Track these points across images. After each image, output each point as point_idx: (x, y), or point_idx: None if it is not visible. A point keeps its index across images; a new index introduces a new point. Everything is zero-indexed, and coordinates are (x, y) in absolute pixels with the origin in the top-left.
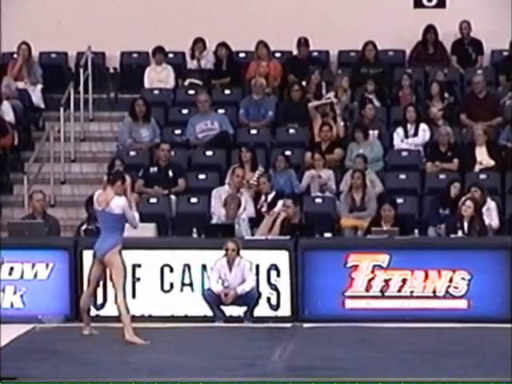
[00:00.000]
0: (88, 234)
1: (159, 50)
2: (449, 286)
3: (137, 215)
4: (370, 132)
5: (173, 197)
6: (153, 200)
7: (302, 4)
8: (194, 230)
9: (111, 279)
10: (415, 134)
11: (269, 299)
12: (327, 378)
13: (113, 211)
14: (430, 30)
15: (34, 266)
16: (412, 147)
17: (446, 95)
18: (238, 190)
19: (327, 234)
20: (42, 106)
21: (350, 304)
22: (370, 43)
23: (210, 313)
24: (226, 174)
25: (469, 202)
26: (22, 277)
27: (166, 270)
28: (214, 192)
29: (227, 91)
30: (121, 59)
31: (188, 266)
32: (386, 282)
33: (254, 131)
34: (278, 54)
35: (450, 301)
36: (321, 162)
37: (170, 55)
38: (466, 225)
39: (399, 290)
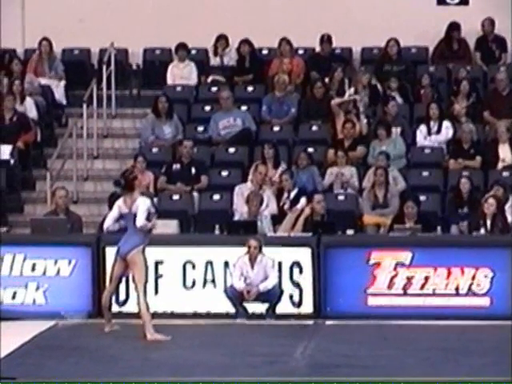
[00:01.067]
0: (110, 231)
1: (182, 46)
2: (471, 284)
3: (143, 216)
4: (393, 129)
5: (195, 193)
6: (175, 197)
7: (324, 1)
8: (217, 226)
9: (133, 279)
10: (438, 131)
11: (291, 296)
12: (349, 376)
13: (138, 210)
14: (454, 27)
15: (56, 262)
16: (435, 144)
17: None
18: (260, 187)
19: (349, 232)
20: (64, 102)
21: (372, 301)
22: (392, 40)
23: (232, 310)
24: (249, 171)
25: (491, 200)
26: (44, 273)
27: (189, 266)
28: (236, 189)
29: (250, 88)
30: (143, 56)
31: (210, 262)
32: (409, 279)
33: (276, 128)
34: (300, 51)
35: (472, 298)
36: (343, 159)
37: (193, 52)
38: (488, 222)
39: (421, 288)
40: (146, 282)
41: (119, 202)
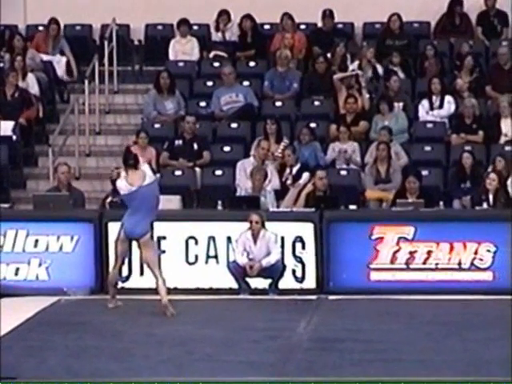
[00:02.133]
0: (113, 207)
1: (184, 22)
2: (474, 258)
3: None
4: (395, 104)
5: (198, 169)
6: (178, 172)
7: None
8: (219, 202)
9: (145, 260)
10: (440, 105)
11: (294, 271)
12: (351, 351)
13: (151, 180)
14: (456, 1)
15: (59, 238)
16: (437, 119)
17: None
18: (262, 162)
19: (352, 207)
20: (65, 78)
21: (375, 276)
22: (395, 15)
23: (235, 285)
24: (251, 147)
25: (492, 175)
26: (47, 249)
27: (191, 242)
28: (239, 164)
29: (252, 63)
30: (145, 31)
31: (213, 238)
32: (411, 254)
33: (278, 103)
34: (302, 26)
35: (475, 273)
36: (346, 134)
37: (195, 27)
38: (491, 197)
39: (424, 262)
40: (160, 261)
41: (122, 183)
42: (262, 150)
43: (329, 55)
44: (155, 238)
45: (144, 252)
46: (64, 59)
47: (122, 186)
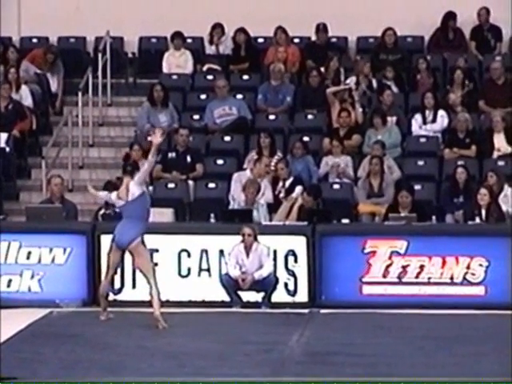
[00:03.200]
0: (106, 219)
1: (178, 35)
2: (466, 273)
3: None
4: (389, 118)
5: (191, 182)
6: (171, 185)
7: None
8: (212, 215)
9: (138, 267)
10: (433, 120)
11: (286, 285)
12: (344, 364)
13: (135, 195)
14: (450, 16)
15: (51, 250)
16: (430, 133)
17: (466, 82)
18: (259, 177)
19: (345, 220)
20: (59, 92)
21: (367, 290)
22: (389, 29)
23: (227, 298)
24: (244, 160)
25: (483, 190)
26: (39, 261)
27: (184, 255)
28: (235, 176)
29: (245, 76)
30: (139, 44)
31: (206, 251)
32: (404, 268)
33: (272, 117)
34: (296, 40)
35: (467, 287)
36: (339, 148)
37: (189, 40)
38: (483, 211)
39: (417, 277)
40: (154, 269)
41: (114, 195)
42: (260, 165)
43: (322, 69)
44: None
45: (136, 259)
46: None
47: (113, 199)
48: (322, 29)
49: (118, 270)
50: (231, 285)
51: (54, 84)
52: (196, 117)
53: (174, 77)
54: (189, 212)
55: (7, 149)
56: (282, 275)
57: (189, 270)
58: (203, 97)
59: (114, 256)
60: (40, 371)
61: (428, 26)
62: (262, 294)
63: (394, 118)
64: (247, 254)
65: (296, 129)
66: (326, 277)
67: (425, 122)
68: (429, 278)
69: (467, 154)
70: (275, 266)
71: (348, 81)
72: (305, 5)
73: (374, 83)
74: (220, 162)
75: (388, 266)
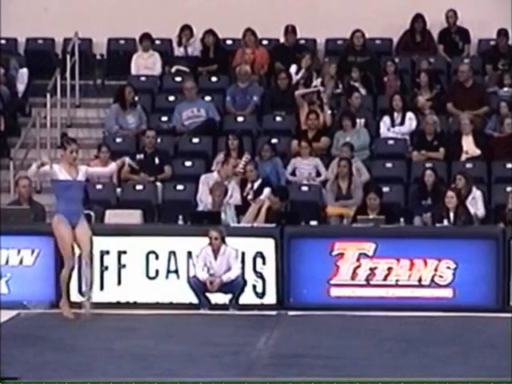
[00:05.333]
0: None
1: (146, 36)
2: (434, 275)
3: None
4: (357, 120)
5: (159, 184)
6: (139, 187)
7: None
8: (180, 217)
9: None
10: (402, 122)
11: (254, 287)
12: (311, 367)
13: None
14: (418, 18)
15: (19, 252)
16: (398, 136)
17: (434, 84)
18: (226, 179)
19: (313, 222)
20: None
21: (335, 292)
22: (357, 31)
23: (195, 300)
24: (213, 162)
25: (450, 193)
26: (7, 263)
27: (152, 256)
28: (202, 178)
29: (214, 78)
30: (108, 46)
31: (174, 252)
32: (372, 270)
33: (240, 119)
34: (265, 42)
35: (435, 290)
36: (307, 150)
37: (157, 42)
38: (451, 214)
39: (385, 279)
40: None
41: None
42: (232, 167)
43: (292, 70)
44: (115, 252)
45: (82, 238)
46: (25, 73)
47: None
48: (290, 31)
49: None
50: (199, 287)
51: (22, 83)
52: (164, 118)
53: (143, 78)
54: (157, 214)
55: None
56: (250, 277)
57: (157, 271)
58: (172, 98)
59: (71, 237)
60: (6, 373)
61: (397, 28)
62: (230, 296)
63: (363, 121)
64: (215, 257)
65: (264, 131)
66: (294, 279)
67: (393, 125)
68: (397, 281)
69: (435, 157)
70: (243, 268)
71: (314, 83)
72: (273, 7)
73: (340, 85)
74: (188, 163)
75: (356, 268)
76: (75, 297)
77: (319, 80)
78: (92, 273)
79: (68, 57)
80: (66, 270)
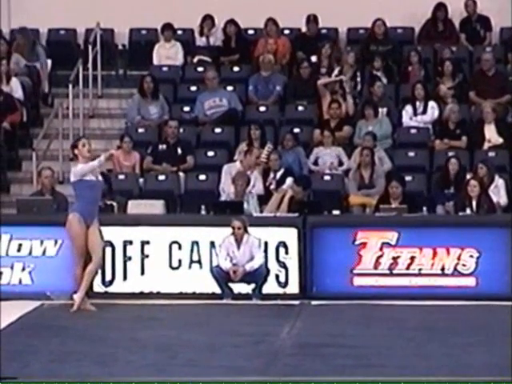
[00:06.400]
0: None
1: (168, 26)
2: (457, 264)
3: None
4: (379, 109)
5: (181, 174)
6: (161, 177)
7: None
8: (203, 207)
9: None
10: (424, 111)
11: (277, 276)
12: (335, 356)
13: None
14: (440, 7)
15: (42, 242)
16: (421, 125)
17: (457, 73)
18: (249, 169)
19: (335, 212)
20: (46, 87)
21: (358, 281)
22: (379, 20)
23: (218, 290)
24: (235, 151)
25: (473, 182)
26: (30, 253)
27: (175, 246)
28: (225, 167)
29: (236, 68)
30: (129, 36)
31: (196, 242)
32: (395, 259)
33: (262, 108)
34: (286, 31)
35: (458, 278)
36: (329, 139)
37: (179, 32)
38: (474, 203)
39: (407, 268)
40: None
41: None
42: (250, 156)
43: (314, 59)
44: (139, 242)
45: (93, 237)
46: (48, 64)
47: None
48: (312, 20)
49: (110, 262)
50: (222, 277)
51: (44, 73)
52: (186, 109)
53: (165, 68)
54: (179, 204)
55: None
56: (273, 267)
57: (180, 261)
58: (193, 88)
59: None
60: (31, 363)
61: (418, 17)
62: (252, 286)
63: (385, 110)
64: (238, 246)
65: (286, 120)
66: (316, 268)
67: (415, 114)
68: (419, 270)
69: (458, 146)
70: (266, 257)
71: (335, 71)
72: None
73: (359, 74)
74: (211, 153)
75: (379, 258)
76: (98, 287)
77: (338, 69)
78: (92, 278)
79: (90, 47)
80: (93, 265)
